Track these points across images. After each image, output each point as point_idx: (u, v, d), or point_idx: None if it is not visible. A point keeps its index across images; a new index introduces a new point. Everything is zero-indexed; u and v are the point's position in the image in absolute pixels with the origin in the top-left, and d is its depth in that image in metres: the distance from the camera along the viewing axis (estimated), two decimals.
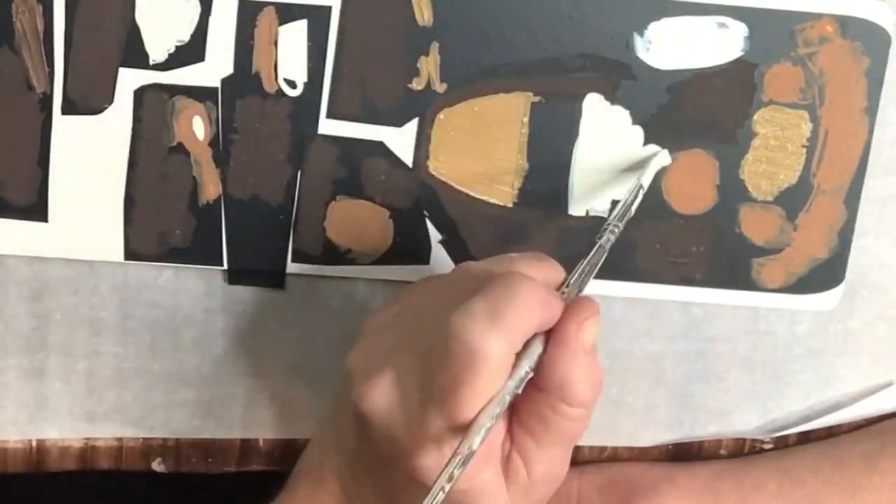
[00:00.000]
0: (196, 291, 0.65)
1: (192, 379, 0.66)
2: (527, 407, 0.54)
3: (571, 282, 0.56)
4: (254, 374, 0.66)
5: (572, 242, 0.65)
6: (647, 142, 0.64)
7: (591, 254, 0.57)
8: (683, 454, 0.70)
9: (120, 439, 0.66)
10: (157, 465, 0.67)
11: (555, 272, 0.57)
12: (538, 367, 0.53)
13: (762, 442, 0.70)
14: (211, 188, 0.63)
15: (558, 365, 0.53)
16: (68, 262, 0.64)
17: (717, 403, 0.69)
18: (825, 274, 0.67)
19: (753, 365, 0.69)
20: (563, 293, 0.55)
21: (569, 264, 0.65)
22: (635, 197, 0.61)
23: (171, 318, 0.65)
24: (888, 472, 0.67)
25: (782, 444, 0.71)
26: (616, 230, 0.59)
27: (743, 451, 0.71)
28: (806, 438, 0.71)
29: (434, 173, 0.64)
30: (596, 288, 0.66)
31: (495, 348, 0.51)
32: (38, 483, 0.68)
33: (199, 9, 0.61)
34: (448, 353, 0.51)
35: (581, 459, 0.70)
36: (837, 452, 0.69)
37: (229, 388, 0.66)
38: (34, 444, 0.66)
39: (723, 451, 0.70)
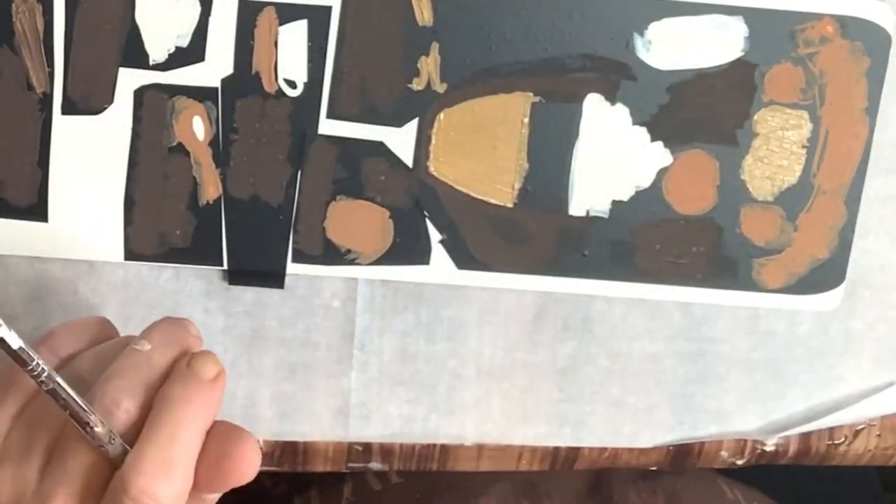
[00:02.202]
0: (196, 291, 0.65)
1: None
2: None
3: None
4: (254, 374, 0.66)
5: (572, 242, 0.65)
6: (647, 142, 0.64)
7: None
8: (684, 455, 0.70)
9: None
10: None
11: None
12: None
13: (762, 444, 0.70)
14: (211, 188, 0.63)
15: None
16: (68, 261, 0.64)
17: (718, 404, 0.69)
18: (826, 274, 0.67)
19: (754, 365, 0.69)
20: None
21: (568, 265, 0.65)
22: None
23: None
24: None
25: (784, 446, 0.71)
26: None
27: (744, 452, 0.70)
28: (807, 440, 0.71)
29: (434, 173, 0.64)
30: (597, 288, 0.66)
31: (175, 491, 0.53)
32: None
33: (199, 9, 0.61)
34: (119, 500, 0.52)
35: (582, 459, 0.70)
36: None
37: (229, 387, 0.66)
38: None
39: (724, 453, 0.70)
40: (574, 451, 0.70)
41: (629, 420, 0.69)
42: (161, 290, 0.65)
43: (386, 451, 0.69)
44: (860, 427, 0.71)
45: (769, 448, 0.71)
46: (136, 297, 0.65)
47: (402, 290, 0.66)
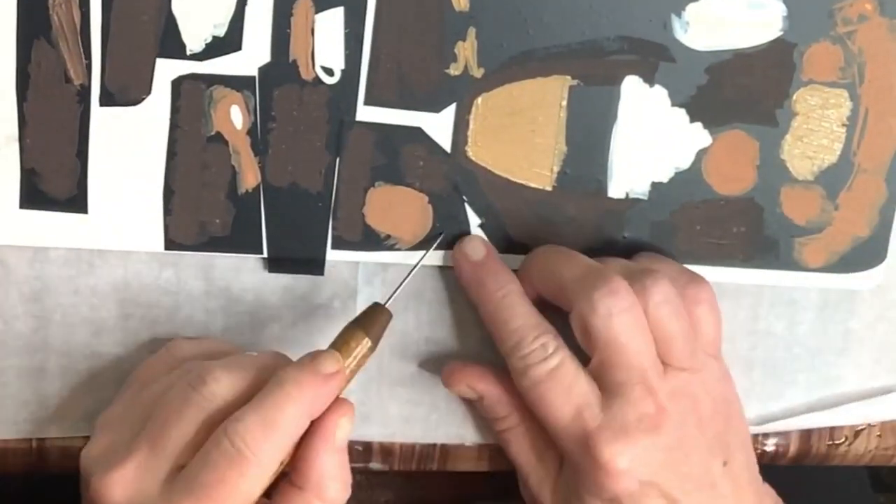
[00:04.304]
0: (196, 291, 0.65)
1: None
2: None
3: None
4: None
5: (612, 224, 0.65)
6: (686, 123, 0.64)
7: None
8: None
9: None
10: None
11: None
12: (296, 464, 0.57)
13: (762, 443, 0.70)
14: (250, 177, 0.63)
15: (317, 460, 0.57)
16: (68, 261, 0.63)
17: None
18: (867, 252, 0.67)
19: (753, 364, 0.69)
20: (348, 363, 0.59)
21: (608, 248, 0.65)
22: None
23: (171, 318, 0.65)
24: None
25: (784, 446, 0.71)
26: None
27: None
28: (808, 440, 0.71)
29: (473, 158, 0.64)
30: None
31: (268, 455, 0.55)
32: (38, 483, 0.68)
33: None
34: (219, 456, 0.54)
35: None
36: None
37: None
38: (34, 444, 0.66)
39: None
40: None
41: None
42: (161, 290, 0.65)
43: (386, 450, 0.69)
44: (860, 427, 0.71)
45: (769, 448, 0.71)
46: (136, 297, 0.64)
47: (402, 291, 0.65)
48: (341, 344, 0.59)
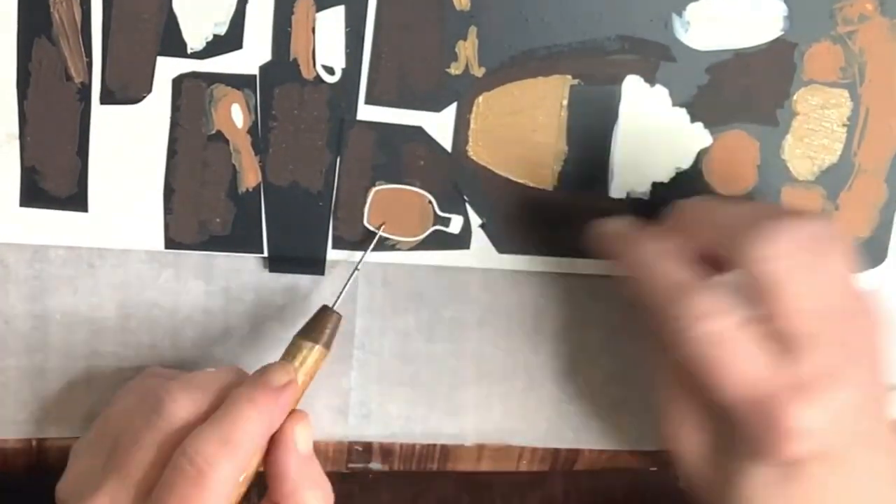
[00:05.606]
0: (196, 291, 0.65)
1: None
2: None
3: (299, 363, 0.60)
4: None
5: None
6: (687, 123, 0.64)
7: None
8: None
9: None
10: None
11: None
12: (270, 483, 0.58)
13: None
14: (250, 176, 0.63)
15: (284, 471, 0.57)
16: (68, 261, 0.63)
17: None
18: (867, 253, 0.67)
19: None
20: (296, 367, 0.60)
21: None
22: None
23: (171, 318, 0.65)
24: None
25: None
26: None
27: None
28: None
29: (474, 158, 0.64)
30: None
31: (226, 473, 0.55)
32: (38, 483, 0.67)
33: None
34: (178, 476, 0.54)
35: (581, 461, 0.70)
36: None
37: None
38: (34, 444, 0.66)
39: None
40: (574, 452, 0.70)
41: (631, 421, 0.69)
42: (161, 290, 0.64)
43: (386, 451, 0.69)
44: None
45: None
46: (135, 297, 0.64)
47: (402, 291, 0.65)
48: (293, 353, 0.60)
